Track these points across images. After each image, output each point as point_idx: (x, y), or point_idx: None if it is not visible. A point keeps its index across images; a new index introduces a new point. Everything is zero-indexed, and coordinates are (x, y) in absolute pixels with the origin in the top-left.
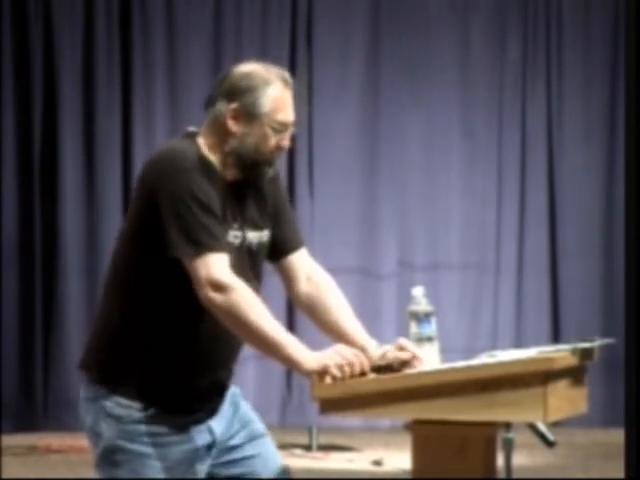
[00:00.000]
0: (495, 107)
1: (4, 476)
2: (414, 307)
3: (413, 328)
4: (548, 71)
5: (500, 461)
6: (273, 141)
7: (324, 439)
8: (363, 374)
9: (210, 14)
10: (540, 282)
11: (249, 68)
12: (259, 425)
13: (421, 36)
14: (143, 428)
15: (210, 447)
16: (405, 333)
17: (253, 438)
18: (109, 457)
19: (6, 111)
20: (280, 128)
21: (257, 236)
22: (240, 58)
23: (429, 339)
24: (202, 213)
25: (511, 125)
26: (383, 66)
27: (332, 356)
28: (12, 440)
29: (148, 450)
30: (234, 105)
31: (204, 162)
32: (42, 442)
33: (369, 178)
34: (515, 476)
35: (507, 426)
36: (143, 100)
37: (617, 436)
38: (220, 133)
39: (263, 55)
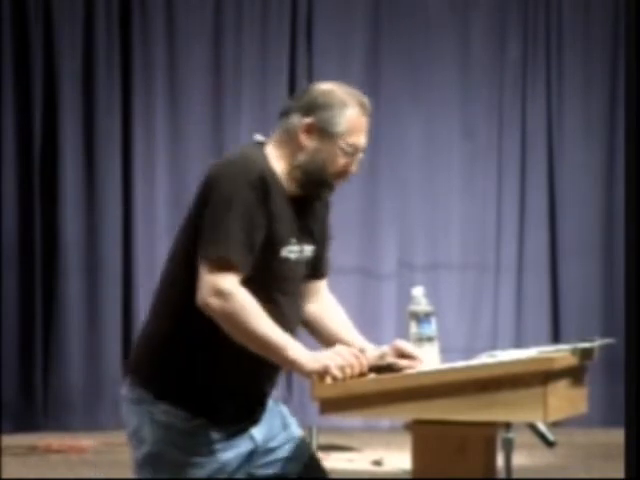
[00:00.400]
0: (495, 107)
1: (4, 476)
2: (414, 307)
3: (413, 328)
4: (548, 71)
5: (500, 461)
6: (341, 163)
7: (324, 439)
8: (362, 375)
9: (210, 14)
10: (540, 282)
11: (330, 87)
12: (297, 428)
13: (421, 36)
14: (188, 438)
15: (251, 454)
16: (405, 333)
17: (291, 440)
18: (151, 463)
19: (6, 111)
20: (351, 151)
21: (310, 249)
22: (240, 58)
23: (429, 339)
24: (241, 227)
25: (511, 125)
26: (383, 66)
27: (332, 356)
28: (12, 440)
29: (191, 459)
30: (309, 120)
31: (268, 175)
32: (42, 442)
33: (369, 178)
34: (515, 476)
35: (507, 426)
36: (143, 100)
37: (617, 436)
38: (291, 145)
39: (263, 55)
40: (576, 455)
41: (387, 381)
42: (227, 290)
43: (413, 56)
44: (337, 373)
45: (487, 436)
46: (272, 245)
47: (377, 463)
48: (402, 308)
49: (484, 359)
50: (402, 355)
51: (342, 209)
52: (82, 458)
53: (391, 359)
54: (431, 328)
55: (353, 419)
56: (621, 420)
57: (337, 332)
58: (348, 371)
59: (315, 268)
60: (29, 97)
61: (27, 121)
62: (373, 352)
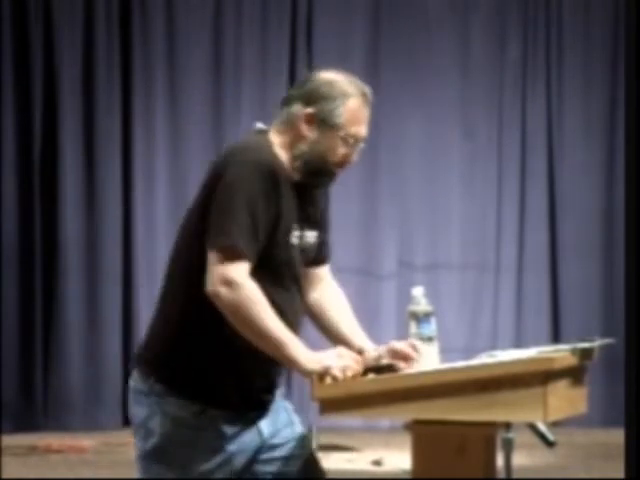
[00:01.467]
0: (495, 107)
1: (4, 476)
2: (414, 307)
3: (413, 328)
4: (548, 71)
5: (500, 461)
6: (342, 153)
7: (324, 439)
8: (361, 375)
9: (210, 14)
10: (540, 282)
11: (332, 76)
12: (300, 426)
13: (421, 36)
14: (196, 432)
15: (258, 448)
16: (405, 333)
17: (293, 439)
18: (159, 455)
19: (6, 111)
20: (351, 141)
21: (313, 235)
22: (240, 58)
23: (429, 339)
24: (246, 212)
25: (511, 125)
26: (383, 66)
27: (334, 358)
28: (12, 440)
29: (198, 453)
30: (310, 110)
31: (276, 164)
32: (42, 442)
33: (369, 178)
34: (515, 476)
35: (507, 426)
36: (143, 100)
37: (617, 436)
38: (292, 134)
39: (263, 55)
40: (576, 455)
41: (387, 381)
42: (236, 280)
43: (413, 56)
44: (338, 374)
45: (487, 436)
46: (279, 232)
47: (377, 463)
48: (402, 308)
49: (484, 359)
50: (398, 355)
51: (342, 209)
52: (82, 458)
53: (388, 361)
54: (431, 328)
55: (353, 419)
56: (621, 420)
57: (337, 324)
58: (349, 373)
59: (317, 254)
60: (29, 97)
61: (27, 121)
62: (371, 353)
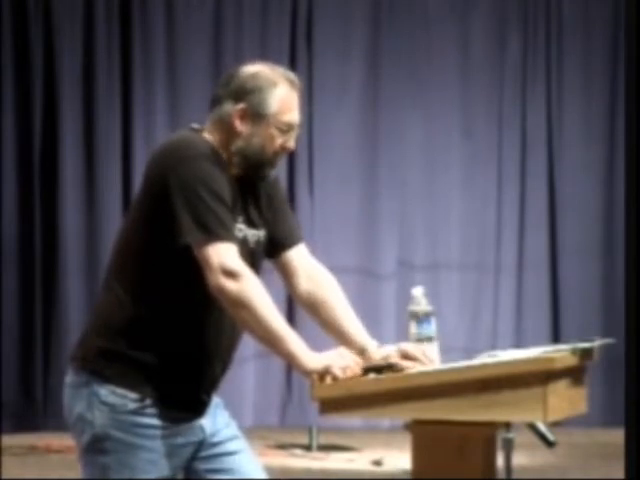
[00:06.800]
0: (495, 107)
1: (4, 476)
2: (414, 307)
3: (413, 328)
4: (548, 71)
5: (500, 461)
6: (278, 142)
7: (324, 439)
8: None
9: (210, 14)
10: (540, 282)
11: (256, 69)
12: (236, 429)
13: (421, 36)
14: (137, 419)
15: (199, 445)
16: (405, 333)
17: (232, 438)
18: (97, 445)
19: (6, 111)
20: (286, 129)
21: (255, 234)
22: (240, 58)
23: (429, 339)
24: (213, 200)
25: (511, 125)
26: (383, 66)
27: (335, 358)
28: (12, 440)
29: (139, 441)
30: (241, 105)
31: (215, 152)
32: (42, 442)
33: (369, 178)
34: (515, 476)
35: (507, 426)
36: (143, 100)
37: (617, 436)
38: (226, 132)
39: (263, 55)
40: (576, 455)
41: (387, 381)
42: (237, 270)
43: (413, 56)
44: (339, 373)
45: (487, 436)
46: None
47: (377, 463)
48: (402, 308)
49: (484, 359)
50: (407, 357)
51: (342, 209)
52: None
53: (395, 360)
54: (431, 328)
55: (353, 419)
56: (621, 420)
57: (338, 321)
58: (349, 373)
59: (275, 244)
60: (29, 97)
61: (27, 121)
62: (375, 352)
